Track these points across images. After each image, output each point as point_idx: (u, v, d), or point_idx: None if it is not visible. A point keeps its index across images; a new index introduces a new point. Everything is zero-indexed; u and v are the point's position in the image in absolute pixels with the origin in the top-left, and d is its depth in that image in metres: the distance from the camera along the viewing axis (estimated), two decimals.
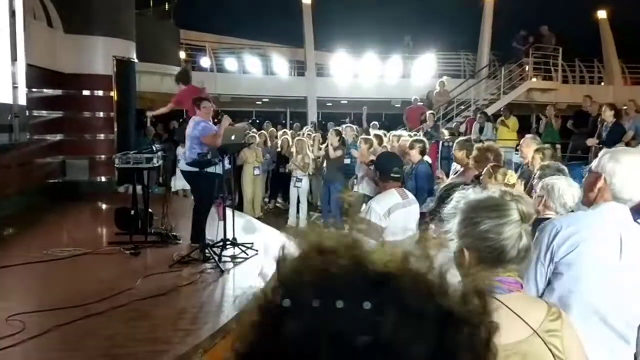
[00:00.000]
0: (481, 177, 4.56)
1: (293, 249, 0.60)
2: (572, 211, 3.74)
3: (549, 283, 2.23)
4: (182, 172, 6.47)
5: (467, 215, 1.62)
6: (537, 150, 5.53)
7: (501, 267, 1.59)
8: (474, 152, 5.09)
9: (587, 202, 2.37)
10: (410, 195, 4.00)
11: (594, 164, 2.33)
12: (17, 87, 7.93)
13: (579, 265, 2.17)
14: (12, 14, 7.57)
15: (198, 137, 6.31)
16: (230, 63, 18.92)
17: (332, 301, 0.53)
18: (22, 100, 8.17)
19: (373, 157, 6.70)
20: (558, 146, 10.78)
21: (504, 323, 1.50)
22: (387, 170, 3.92)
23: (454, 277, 0.59)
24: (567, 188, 3.02)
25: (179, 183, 11.06)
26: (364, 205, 4.04)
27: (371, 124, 13.99)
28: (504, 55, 17.83)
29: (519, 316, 1.51)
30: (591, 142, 9.79)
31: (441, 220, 2.51)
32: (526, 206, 1.62)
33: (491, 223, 1.56)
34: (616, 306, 2.18)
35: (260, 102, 21.49)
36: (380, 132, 10.18)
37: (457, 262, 1.66)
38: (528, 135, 7.11)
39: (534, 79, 17.83)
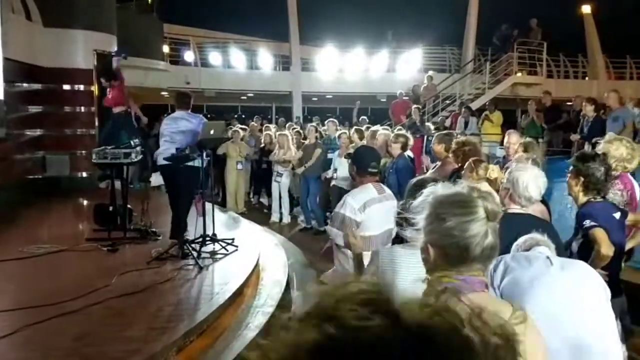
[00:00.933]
0: (462, 172, 4.53)
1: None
2: (544, 201, 3.72)
3: None
4: (160, 167, 6.34)
5: (434, 210, 1.58)
6: (521, 143, 5.53)
7: (466, 266, 1.55)
8: (452, 146, 5.06)
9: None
10: (388, 190, 3.95)
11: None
12: None
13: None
14: None
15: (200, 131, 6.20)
16: (214, 57, 18.76)
17: None
18: (0, 95, 8.04)
19: (349, 151, 6.65)
20: (541, 140, 10.82)
21: None
22: (364, 164, 3.86)
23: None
24: (532, 180, 2.97)
25: (159, 179, 10.94)
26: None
27: (360, 119, 13.93)
28: (493, 50, 17.84)
29: None
30: (574, 137, 9.84)
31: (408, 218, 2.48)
32: (493, 204, 1.58)
33: (456, 220, 1.53)
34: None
35: (245, 97, 21.36)
36: (364, 127, 10.14)
37: (423, 259, 1.63)
38: (512, 130, 7.12)
39: (518, 74, 17.88)
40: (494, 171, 4.81)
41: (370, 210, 3.70)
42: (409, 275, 2.43)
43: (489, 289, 1.63)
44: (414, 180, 2.74)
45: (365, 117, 14.38)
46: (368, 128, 9.95)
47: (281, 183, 10.12)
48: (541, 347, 1.58)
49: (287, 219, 10.38)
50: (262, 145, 11.63)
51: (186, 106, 6.41)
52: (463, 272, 1.55)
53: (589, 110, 9.05)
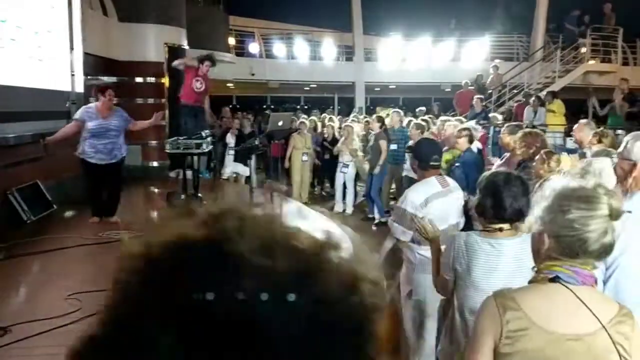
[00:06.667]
0: (533, 164, 4.43)
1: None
2: None
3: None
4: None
5: (556, 202, 1.61)
6: (595, 134, 5.33)
7: (580, 259, 1.57)
8: (517, 138, 4.95)
9: (623, 190, 2.33)
10: (452, 183, 3.83)
11: (621, 150, 2.27)
12: (74, 75, 8.24)
13: (624, 264, 2.14)
14: (70, 4, 7.84)
15: None
16: (278, 49, 18.99)
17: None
18: (80, 88, 8.49)
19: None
20: (620, 132, 10.33)
21: (571, 313, 1.50)
22: (427, 158, 3.73)
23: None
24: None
25: (228, 169, 11.26)
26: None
27: (417, 110, 13.72)
28: (564, 37, 17.17)
29: (589, 309, 1.51)
30: None
31: (486, 213, 2.48)
32: (617, 202, 1.58)
33: (579, 214, 1.55)
34: None
35: (308, 88, 21.53)
36: (425, 118, 10.03)
37: (535, 247, 1.67)
38: (582, 121, 6.87)
39: (591, 62, 17.15)
40: (565, 161, 4.67)
41: (432, 204, 3.60)
42: (486, 263, 2.45)
43: (597, 285, 1.65)
44: (487, 174, 2.70)
45: (423, 108, 14.11)
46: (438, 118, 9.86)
47: (347, 174, 10.19)
48: None
49: (350, 209, 10.45)
50: (326, 136, 11.72)
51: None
52: (575, 264, 1.57)
53: None
